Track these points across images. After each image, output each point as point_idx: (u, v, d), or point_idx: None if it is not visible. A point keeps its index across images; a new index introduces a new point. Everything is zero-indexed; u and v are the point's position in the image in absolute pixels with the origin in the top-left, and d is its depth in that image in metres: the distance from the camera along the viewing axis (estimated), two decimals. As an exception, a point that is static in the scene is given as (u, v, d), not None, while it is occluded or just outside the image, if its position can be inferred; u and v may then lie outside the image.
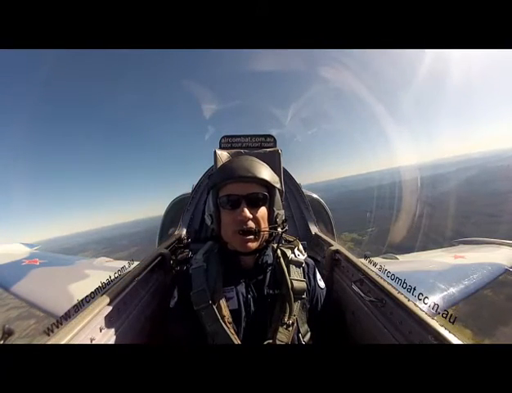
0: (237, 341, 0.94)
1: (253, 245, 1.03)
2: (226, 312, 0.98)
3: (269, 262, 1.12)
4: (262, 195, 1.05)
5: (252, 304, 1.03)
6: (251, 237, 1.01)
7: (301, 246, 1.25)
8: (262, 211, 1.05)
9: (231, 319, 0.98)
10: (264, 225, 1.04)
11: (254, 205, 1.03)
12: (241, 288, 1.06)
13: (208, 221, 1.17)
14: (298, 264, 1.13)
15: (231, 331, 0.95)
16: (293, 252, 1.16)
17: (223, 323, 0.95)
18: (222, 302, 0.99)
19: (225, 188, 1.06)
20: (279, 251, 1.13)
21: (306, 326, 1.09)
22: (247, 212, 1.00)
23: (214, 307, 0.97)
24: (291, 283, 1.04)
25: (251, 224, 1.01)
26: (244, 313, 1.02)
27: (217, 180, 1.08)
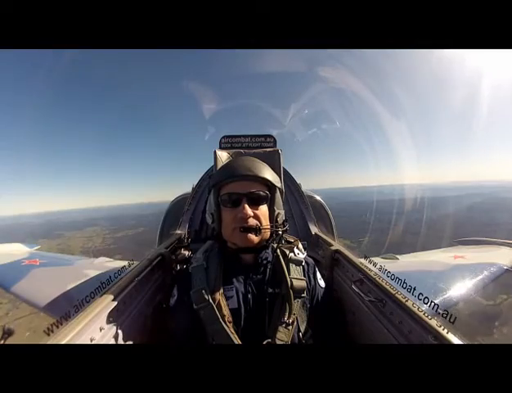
0: (237, 341, 0.94)
1: (255, 239, 1.03)
2: (226, 311, 0.98)
3: (269, 261, 1.12)
4: (263, 193, 1.05)
5: (252, 303, 1.03)
6: (252, 233, 1.01)
7: (300, 245, 1.25)
8: (263, 210, 1.06)
9: (231, 318, 0.98)
10: (265, 223, 1.05)
11: (255, 204, 1.04)
12: (241, 287, 1.06)
13: (209, 220, 1.17)
14: (297, 263, 1.12)
15: (230, 330, 0.95)
16: (292, 251, 1.16)
17: (223, 323, 0.95)
18: (222, 301, 0.99)
19: (226, 187, 1.06)
20: (278, 250, 1.13)
21: (306, 325, 1.09)
22: (248, 209, 1.00)
23: (214, 306, 0.97)
24: (291, 282, 1.04)
25: (252, 221, 1.01)
26: (243, 313, 1.01)
27: (218, 179, 1.09)
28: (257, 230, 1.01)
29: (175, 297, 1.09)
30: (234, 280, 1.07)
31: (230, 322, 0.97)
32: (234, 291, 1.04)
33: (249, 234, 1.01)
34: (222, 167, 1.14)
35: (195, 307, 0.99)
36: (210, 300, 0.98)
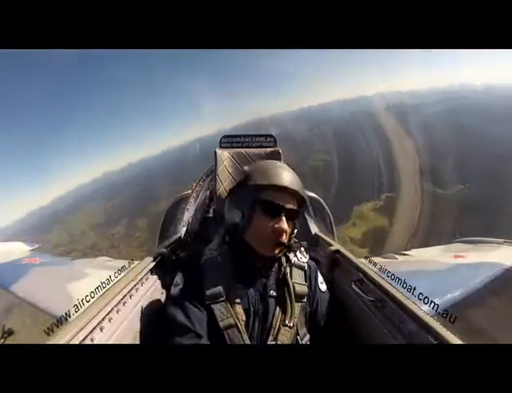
0: (247, 340, 0.95)
1: (279, 252, 1.07)
2: (239, 309, 0.99)
3: (275, 265, 1.13)
4: (298, 210, 1.08)
5: (258, 304, 1.05)
6: (281, 247, 1.04)
7: (303, 249, 1.25)
8: (291, 225, 1.07)
9: (244, 317, 0.99)
10: (287, 238, 1.07)
11: (290, 219, 1.05)
12: (251, 288, 1.06)
13: (235, 216, 1.09)
14: (300, 267, 1.14)
15: (243, 329, 0.96)
16: (295, 255, 1.17)
17: (237, 321, 0.96)
18: (236, 300, 1.00)
19: (268, 193, 1.02)
20: (283, 255, 1.14)
21: (305, 329, 1.10)
22: (286, 225, 1.01)
23: (229, 304, 0.98)
24: (293, 286, 1.06)
25: (284, 237, 1.03)
26: (252, 313, 1.03)
27: (262, 181, 1.03)
28: (285, 245, 1.04)
29: (179, 286, 1.05)
30: (245, 281, 1.07)
31: (243, 321, 0.98)
32: (244, 291, 1.05)
33: (279, 247, 1.04)
34: (266, 169, 1.08)
35: (207, 302, 0.98)
36: (225, 297, 0.98)
